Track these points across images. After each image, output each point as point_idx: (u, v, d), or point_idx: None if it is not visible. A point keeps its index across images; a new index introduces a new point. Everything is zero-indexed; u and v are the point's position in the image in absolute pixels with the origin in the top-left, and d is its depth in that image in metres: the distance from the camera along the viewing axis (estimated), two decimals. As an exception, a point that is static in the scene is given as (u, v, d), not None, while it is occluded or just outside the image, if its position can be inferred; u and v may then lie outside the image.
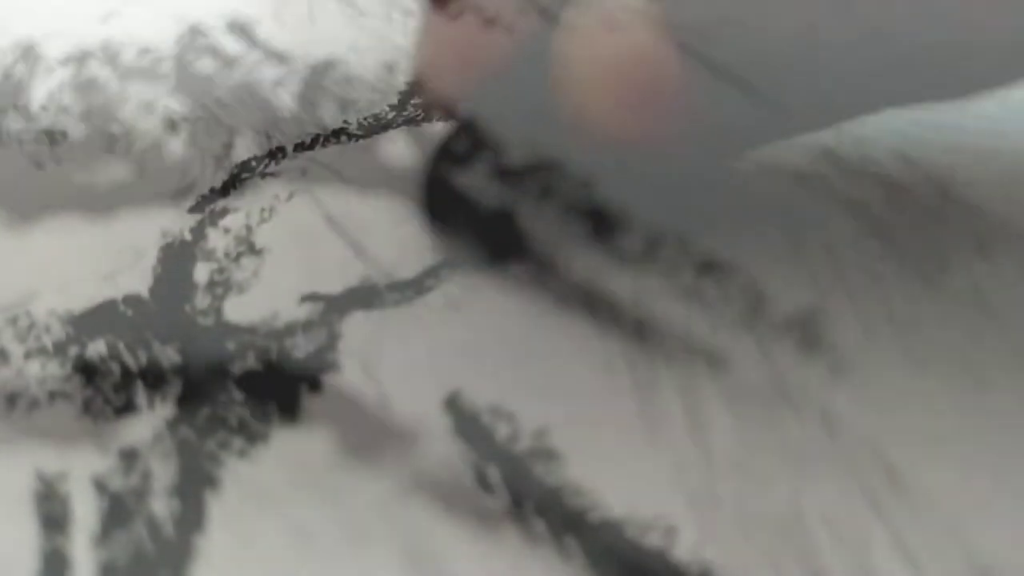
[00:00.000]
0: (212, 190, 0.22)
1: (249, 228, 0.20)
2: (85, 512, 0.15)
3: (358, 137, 0.23)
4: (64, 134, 0.24)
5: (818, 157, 0.22)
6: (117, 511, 0.15)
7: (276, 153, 0.23)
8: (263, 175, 0.22)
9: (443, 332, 0.18)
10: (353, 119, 0.24)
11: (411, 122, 0.24)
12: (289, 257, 0.20)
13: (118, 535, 0.14)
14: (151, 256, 0.20)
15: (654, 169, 0.19)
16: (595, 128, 0.18)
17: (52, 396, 0.17)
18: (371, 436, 0.16)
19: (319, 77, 0.26)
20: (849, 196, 0.21)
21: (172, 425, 0.16)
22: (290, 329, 0.18)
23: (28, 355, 0.17)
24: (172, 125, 0.24)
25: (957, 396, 0.16)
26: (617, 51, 0.18)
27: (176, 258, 0.20)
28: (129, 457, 0.16)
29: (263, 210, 0.21)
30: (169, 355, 0.17)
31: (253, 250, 0.20)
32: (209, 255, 0.20)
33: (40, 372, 0.17)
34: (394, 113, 0.24)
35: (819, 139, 0.23)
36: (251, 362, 0.17)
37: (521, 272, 0.19)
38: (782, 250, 0.19)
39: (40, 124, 0.24)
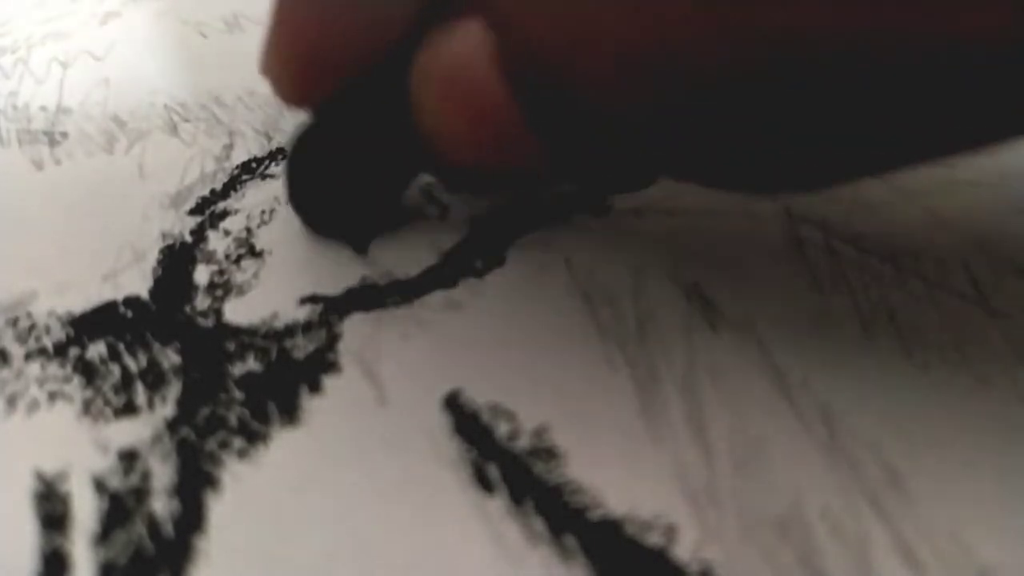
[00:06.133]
0: (212, 192, 0.22)
1: (249, 230, 0.20)
2: (85, 512, 0.15)
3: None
4: (64, 135, 0.24)
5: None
6: (117, 511, 0.15)
7: (276, 155, 0.23)
8: (263, 176, 0.22)
9: (443, 332, 0.18)
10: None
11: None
12: (289, 259, 0.20)
13: (118, 535, 0.14)
14: (151, 258, 0.20)
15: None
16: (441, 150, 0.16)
17: (52, 397, 0.17)
18: (371, 436, 0.16)
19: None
20: (848, 196, 0.21)
21: (172, 425, 0.16)
22: (290, 330, 0.18)
23: (28, 356, 0.17)
24: (172, 126, 0.24)
25: (957, 396, 0.16)
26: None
27: (176, 260, 0.20)
28: (129, 457, 0.16)
29: (263, 212, 0.21)
30: (169, 356, 0.17)
31: (253, 252, 0.20)
32: (209, 257, 0.20)
33: (40, 373, 0.17)
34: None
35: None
36: (251, 363, 0.17)
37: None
38: (782, 251, 0.19)
39: (39, 125, 0.24)
